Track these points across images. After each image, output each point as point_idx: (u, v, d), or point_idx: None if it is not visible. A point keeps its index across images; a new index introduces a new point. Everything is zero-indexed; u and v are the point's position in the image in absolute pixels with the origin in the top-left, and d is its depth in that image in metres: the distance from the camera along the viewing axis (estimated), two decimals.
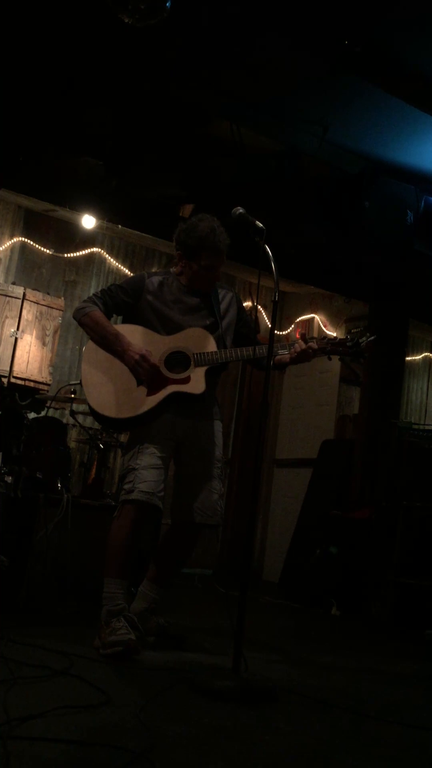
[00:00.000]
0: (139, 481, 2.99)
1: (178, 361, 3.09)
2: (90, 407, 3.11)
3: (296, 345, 3.11)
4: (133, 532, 3.01)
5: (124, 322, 3.25)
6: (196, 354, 3.07)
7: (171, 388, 3.06)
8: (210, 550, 6.42)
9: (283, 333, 7.10)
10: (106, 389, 3.08)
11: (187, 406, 3.11)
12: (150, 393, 3.05)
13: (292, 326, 7.04)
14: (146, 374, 3.04)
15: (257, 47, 3.98)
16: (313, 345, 3.10)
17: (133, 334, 3.11)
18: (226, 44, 3.98)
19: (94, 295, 3.21)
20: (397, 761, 2.11)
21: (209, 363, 3.08)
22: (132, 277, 3.39)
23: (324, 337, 3.17)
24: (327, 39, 3.88)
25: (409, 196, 5.22)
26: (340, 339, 3.16)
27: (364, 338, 3.12)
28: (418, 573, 4.97)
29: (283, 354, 3.14)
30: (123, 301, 3.18)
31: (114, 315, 3.23)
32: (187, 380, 3.06)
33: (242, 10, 3.68)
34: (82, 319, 3.14)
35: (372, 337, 3.13)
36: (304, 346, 3.09)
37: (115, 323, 3.20)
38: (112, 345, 3.08)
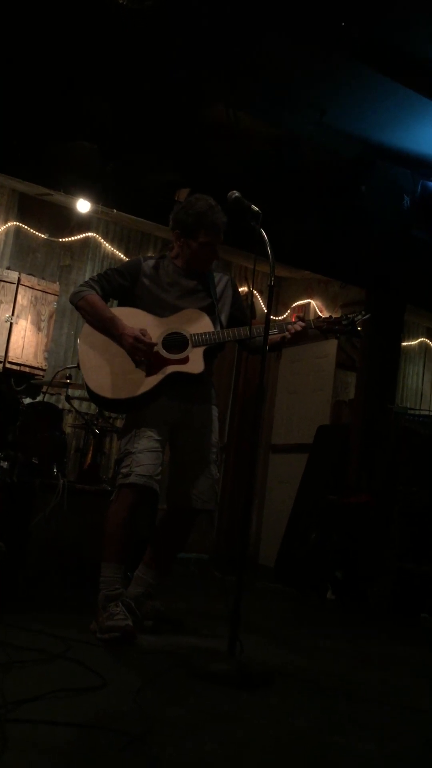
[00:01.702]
0: (136, 464, 2.99)
1: (176, 342, 3.08)
2: (88, 389, 3.11)
3: (295, 324, 3.11)
4: (131, 517, 3.02)
5: (120, 306, 3.24)
6: (194, 334, 3.07)
7: (170, 369, 3.05)
8: (206, 535, 6.44)
9: (279, 318, 7.08)
10: (105, 371, 3.08)
11: (184, 388, 3.11)
12: (149, 374, 3.05)
13: (288, 311, 7.03)
14: (144, 354, 3.03)
15: (255, 32, 3.94)
16: (311, 324, 3.13)
17: (128, 317, 3.11)
18: (224, 29, 3.94)
19: (90, 279, 3.21)
20: (392, 744, 2.13)
21: (207, 343, 3.08)
22: (128, 261, 3.42)
23: (319, 317, 3.19)
24: (326, 23, 3.84)
25: (406, 180, 5.19)
26: (336, 318, 3.18)
27: (359, 316, 3.15)
28: (414, 558, 4.99)
29: (278, 335, 3.14)
30: (119, 284, 3.18)
31: (111, 299, 3.23)
32: (185, 360, 3.06)
33: None
34: (78, 303, 3.14)
35: (366, 315, 3.17)
36: (302, 325, 3.10)
37: (111, 307, 3.20)
38: (108, 328, 3.09)
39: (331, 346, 6.66)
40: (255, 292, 6.51)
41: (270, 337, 3.10)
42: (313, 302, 6.82)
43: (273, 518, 6.74)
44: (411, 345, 7.06)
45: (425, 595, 4.84)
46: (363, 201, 5.10)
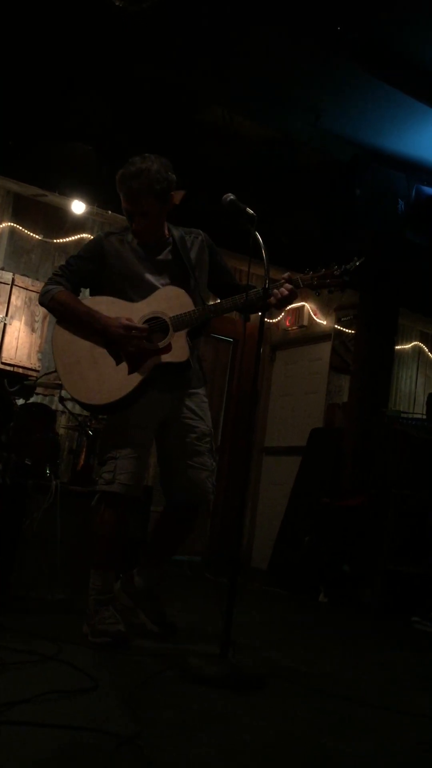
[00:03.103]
0: (120, 471, 2.87)
1: (156, 327, 2.88)
2: (75, 399, 2.95)
3: (281, 288, 2.90)
4: (117, 524, 2.94)
5: (92, 294, 3.04)
6: (173, 317, 2.87)
7: (154, 361, 2.85)
8: (199, 537, 6.44)
9: (273, 321, 7.09)
10: (87, 375, 2.89)
11: (170, 377, 2.93)
12: (132, 370, 2.85)
13: (282, 314, 7.04)
14: (139, 344, 2.83)
15: (252, 34, 3.95)
16: (299, 283, 2.89)
17: (100, 306, 2.92)
18: (222, 30, 3.95)
19: (54, 274, 2.99)
20: (385, 746, 2.13)
21: (189, 324, 2.87)
22: (88, 242, 3.13)
23: (309, 271, 2.93)
24: (322, 26, 3.86)
25: (401, 184, 5.21)
26: (326, 271, 2.91)
27: (351, 263, 2.90)
28: (406, 560, 5.00)
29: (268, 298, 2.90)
30: (86, 270, 2.98)
31: (81, 289, 3.05)
32: (168, 348, 2.86)
33: None
34: (49, 304, 2.92)
35: (360, 260, 2.90)
36: (288, 288, 2.89)
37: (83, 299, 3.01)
38: (90, 324, 2.88)
39: (325, 349, 6.68)
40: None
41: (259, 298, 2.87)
42: (307, 305, 6.83)
43: (266, 520, 6.75)
44: (405, 348, 7.07)
45: (418, 598, 4.85)
46: (358, 204, 5.11)
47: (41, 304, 2.99)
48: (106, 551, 2.96)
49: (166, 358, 2.87)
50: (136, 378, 2.86)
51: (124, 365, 2.88)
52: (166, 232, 3.06)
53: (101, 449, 3.05)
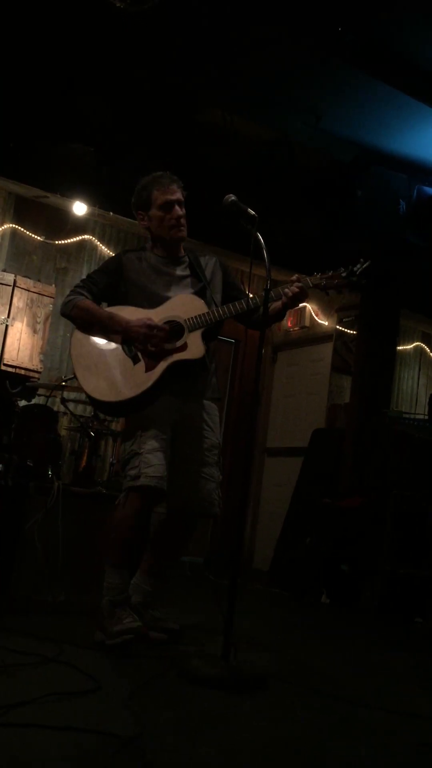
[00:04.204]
0: (146, 465, 2.88)
1: (172, 330, 2.97)
2: (91, 398, 3.00)
3: (292, 287, 2.99)
4: (140, 520, 2.93)
5: (110, 306, 3.13)
6: (188, 319, 2.97)
7: (170, 359, 2.94)
8: (201, 538, 6.43)
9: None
10: (104, 375, 2.97)
11: (185, 382, 3.01)
12: (149, 368, 2.94)
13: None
14: (161, 340, 2.93)
15: (251, 35, 3.95)
16: (309, 283, 2.99)
17: (119, 312, 3.02)
18: (221, 32, 3.96)
19: (76, 286, 3.11)
20: (386, 748, 2.13)
21: (203, 325, 2.96)
22: (108, 259, 3.33)
23: (317, 273, 3.03)
24: (322, 26, 3.86)
25: (402, 185, 5.21)
26: (334, 272, 3.01)
27: (358, 266, 3.00)
28: (407, 561, 4.99)
29: (278, 302, 3.02)
30: (106, 284, 3.09)
31: (101, 302, 3.14)
32: (183, 347, 2.95)
33: None
34: (71, 312, 3.03)
35: (367, 263, 3.01)
36: (299, 286, 2.98)
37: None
38: (110, 327, 2.99)
39: (326, 350, 6.67)
40: (250, 295, 6.49)
41: (272, 305, 2.98)
42: (308, 306, 6.83)
43: (268, 522, 6.74)
44: (406, 349, 7.07)
45: (418, 599, 4.84)
46: (358, 205, 5.11)
47: (63, 314, 3.08)
48: (125, 549, 2.93)
49: (183, 355, 2.96)
50: (153, 375, 2.94)
51: (141, 364, 2.96)
52: (182, 251, 3.19)
53: (124, 449, 3.06)
